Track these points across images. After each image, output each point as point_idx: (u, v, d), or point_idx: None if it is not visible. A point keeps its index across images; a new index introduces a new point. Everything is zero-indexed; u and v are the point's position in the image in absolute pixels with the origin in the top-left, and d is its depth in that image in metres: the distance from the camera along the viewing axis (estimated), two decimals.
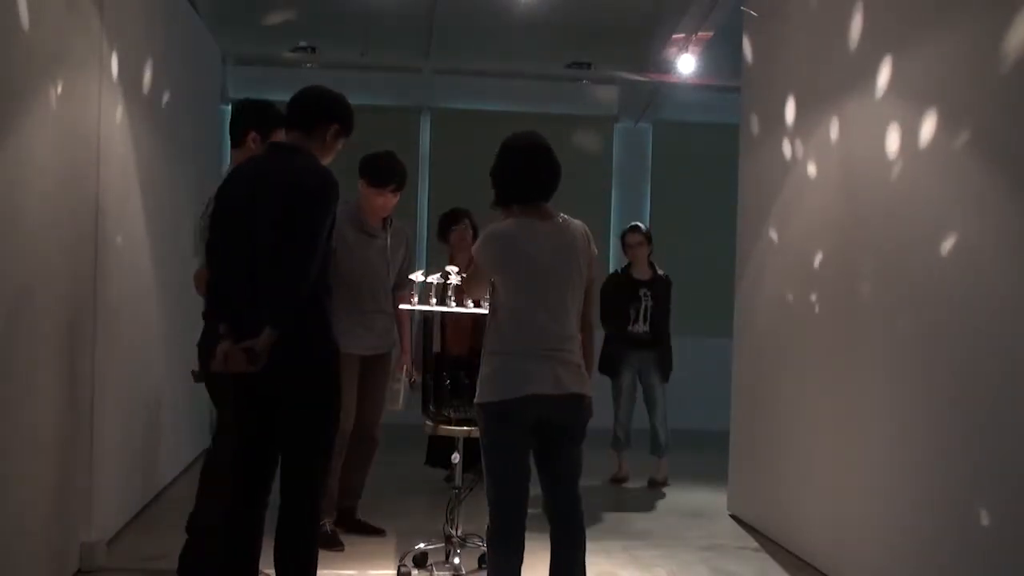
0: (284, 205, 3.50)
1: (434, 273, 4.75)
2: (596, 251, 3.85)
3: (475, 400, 3.72)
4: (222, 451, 4.35)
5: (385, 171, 5.26)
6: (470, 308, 4.75)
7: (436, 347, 6.96)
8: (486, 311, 4.72)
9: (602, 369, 7.20)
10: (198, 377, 4.44)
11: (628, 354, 7.28)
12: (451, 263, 5.15)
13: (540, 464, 3.77)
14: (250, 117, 4.43)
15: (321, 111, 3.73)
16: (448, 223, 6.90)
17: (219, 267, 3.68)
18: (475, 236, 6.96)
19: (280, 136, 4.39)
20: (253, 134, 4.39)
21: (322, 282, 3.61)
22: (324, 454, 3.75)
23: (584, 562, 3.78)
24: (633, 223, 7.80)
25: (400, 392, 5.34)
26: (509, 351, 3.65)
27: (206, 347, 4.36)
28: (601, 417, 4.27)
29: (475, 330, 5.41)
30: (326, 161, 3.74)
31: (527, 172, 3.74)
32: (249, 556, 3.68)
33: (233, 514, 3.69)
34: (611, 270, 8.21)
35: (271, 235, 3.50)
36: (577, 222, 3.83)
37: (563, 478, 3.77)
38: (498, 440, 3.68)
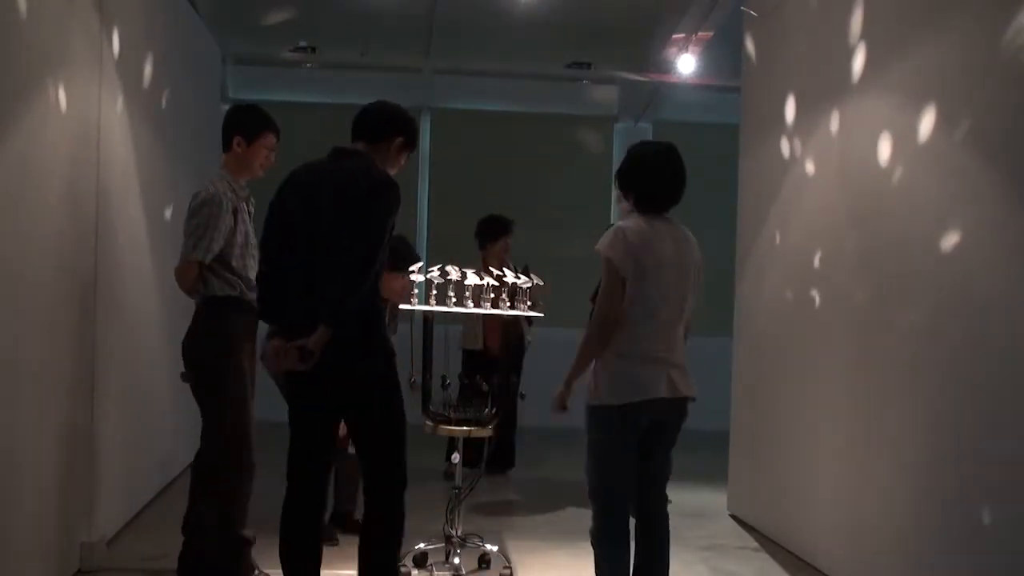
0: (341, 207, 3.55)
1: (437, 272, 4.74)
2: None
3: (593, 402, 3.74)
4: (210, 452, 4.38)
5: (408, 258, 5.09)
6: (470, 308, 4.75)
7: (479, 345, 7.04)
8: (488, 311, 4.75)
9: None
10: (185, 378, 4.46)
11: None
12: (484, 268, 5.12)
13: (639, 466, 3.79)
14: (232, 122, 4.50)
15: (385, 123, 3.80)
16: (500, 231, 7.11)
17: (272, 266, 3.70)
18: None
19: (269, 140, 4.48)
20: (237, 138, 4.45)
21: (376, 286, 3.65)
22: (399, 449, 3.75)
23: (669, 561, 3.85)
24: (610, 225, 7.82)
25: None
26: (632, 355, 3.70)
27: (189, 347, 4.42)
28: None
29: (505, 328, 5.42)
30: (391, 172, 3.78)
31: (668, 182, 3.86)
32: (310, 559, 3.72)
33: (291, 518, 3.72)
34: None
35: (329, 237, 3.55)
36: (686, 229, 3.93)
37: (658, 479, 3.85)
38: (616, 441, 3.71)
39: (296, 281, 3.60)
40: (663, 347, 3.74)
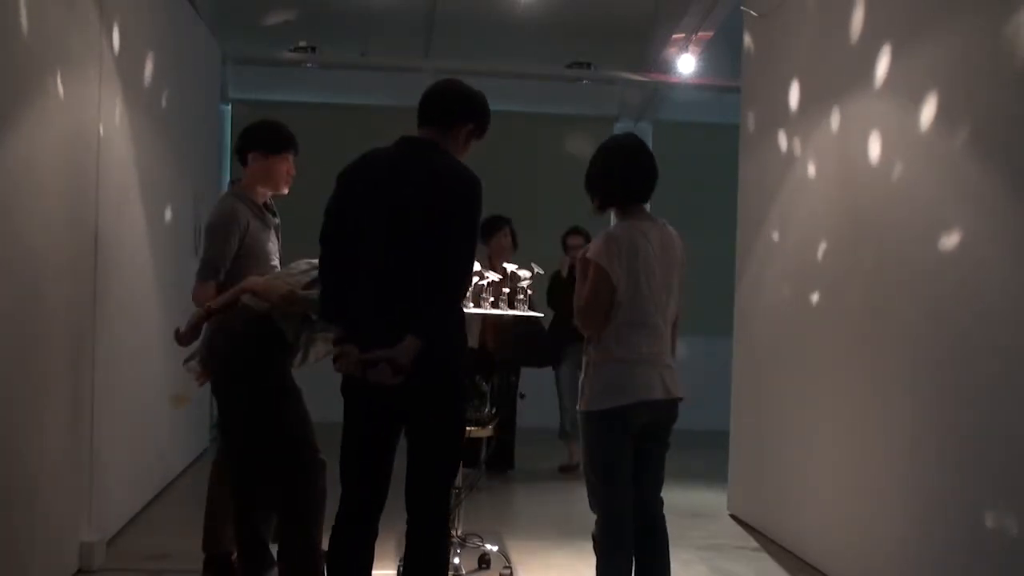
0: (436, 209, 3.29)
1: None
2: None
3: (586, 408, 3.68)
4: (228, 454, 4.13)
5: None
6: (473, 309, 4.75)
7: (474, 343, 7.02)
8: (488, 311, 4.75)
9: (547, 361, 7.42)
10: (190, 367, 4.20)
11: (569, 346, 7.29)
12: (491, 267, 5.16)
13: (635, 469, 3.73)
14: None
15: (460, 109, 3.52)
16: (489, 229, 7.14)
17: (341, 264, 3.38)
18: (513, 243, 7.12)
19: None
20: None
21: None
22: (455, 468, 3.58)
23: (670, 563, 3.80)
24: (574, 225, 7.78)
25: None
26: (627, 358, 3.65)
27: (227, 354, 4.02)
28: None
29: (505, 328, 5.44)
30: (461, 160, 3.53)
31: (636, 172, 3.78)
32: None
33: (344, 534, 3.46)
34: None
35: (422, 239, 3.28)
36: (668, 225, 3.86)
37: (655, 482, 3.80)
38: (613, 445, 3.66)
39: (375, 284, 3.31)
40: (656, 349, 3.70)
